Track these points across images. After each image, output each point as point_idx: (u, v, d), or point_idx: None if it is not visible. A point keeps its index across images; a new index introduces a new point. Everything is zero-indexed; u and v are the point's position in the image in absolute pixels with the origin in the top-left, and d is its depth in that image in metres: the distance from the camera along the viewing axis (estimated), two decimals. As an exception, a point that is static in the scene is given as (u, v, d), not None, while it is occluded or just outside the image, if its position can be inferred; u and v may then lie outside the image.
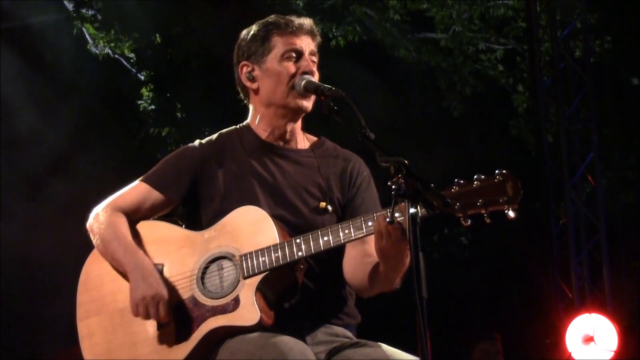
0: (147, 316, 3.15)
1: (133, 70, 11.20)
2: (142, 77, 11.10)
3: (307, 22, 3.35)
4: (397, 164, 2.73)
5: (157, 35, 10.79)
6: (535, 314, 8.96)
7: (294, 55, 3.28)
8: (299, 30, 3.30)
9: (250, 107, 3.43)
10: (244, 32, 3.40)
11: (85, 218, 3.39)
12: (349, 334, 3.29)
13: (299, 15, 3.50)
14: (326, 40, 10.93)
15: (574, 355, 7.62)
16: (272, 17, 3.36)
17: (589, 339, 7.62)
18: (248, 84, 3.36)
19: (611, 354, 7.59)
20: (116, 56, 11.12)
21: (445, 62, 11.71)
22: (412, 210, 2.68)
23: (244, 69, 3.36)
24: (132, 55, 11.11)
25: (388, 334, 3.48)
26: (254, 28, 3.36)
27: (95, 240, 3.33)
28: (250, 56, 3.34)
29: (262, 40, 3.31)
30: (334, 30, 11.02)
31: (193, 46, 10.37)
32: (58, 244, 10.99)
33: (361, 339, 3.26)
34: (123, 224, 3.30)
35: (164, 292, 3.15)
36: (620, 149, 11.53)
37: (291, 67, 3.27)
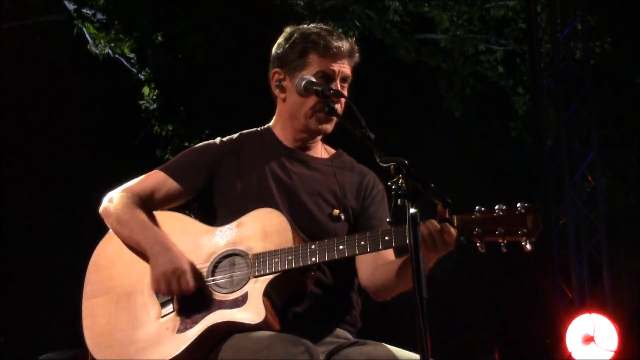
0: (169, 291, 3.14)
1: (133, 70, 11.19)
2: (142, 77, 11.09)
3: (346, 44, 3.32)
4: (397, 164, 2.74)
5: (159, 34, 10.78)
6: (535, 314, 8.96)
7: (325, 80, 3.27)
8: (337, 55, 3.29)
9: (277, 110, 3.44)
10: (287, 32, 3.37)
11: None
12: (350, 336, 3.29)
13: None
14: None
15: (574, 355, 7.62)
16: (315, 33, 3.32)
17: (589, 339, 7.62)
18: (277, 92, 3.38)
19: (611, 354, 7.59)
20: (116, 56, 11.11)
21: (445, 63, 11.72)
22: (412, 210, 2.70)
23: (276, 76, 3.37)
24: (132, 55, 11.11)
25: (388, 335, 3.48)
26: (295, 35, 3.34)
27: (110, 221, 3.32)
28: (284, 65, 3.33)
29: (299, 54, 3.30)
30: (336, 29, 11.01)
31: (199, 40, 10.36)
32: (59, 243, 11.00)
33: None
34: (139, 205, 3.31)
35: (184, 265, 3.15)
36: (620, 149, 11.54)
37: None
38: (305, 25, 3.39)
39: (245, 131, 3.47)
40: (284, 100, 3.37)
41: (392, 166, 2.76)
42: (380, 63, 11.90)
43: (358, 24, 11.09)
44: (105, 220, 3.34)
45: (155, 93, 10.95)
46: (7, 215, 10.61)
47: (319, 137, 3.42)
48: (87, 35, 10.91)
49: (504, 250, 2.89)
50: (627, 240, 9.88)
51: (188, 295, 3.14)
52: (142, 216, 3.28)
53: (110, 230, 3.35)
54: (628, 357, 7.81)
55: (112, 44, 10.86)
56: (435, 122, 12.36)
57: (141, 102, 11.00)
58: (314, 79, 3.27)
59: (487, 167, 12.11)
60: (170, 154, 10.52)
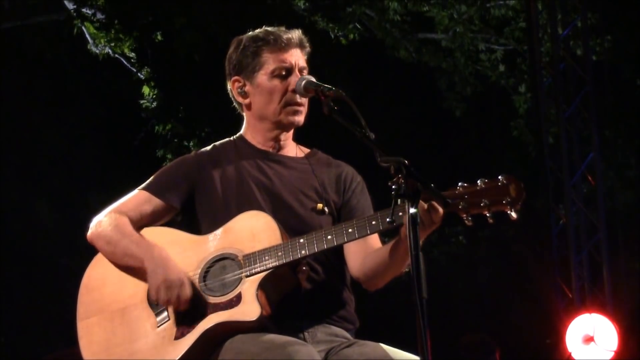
0: (168, 300, 3.15)
1: (133, 70, 11.19)
2: (142, 77, 11.09)
3: (295, 35, 3.38)
4: (397, 164, 2.76)
5: (158, 33, 10.77)
6: (535, 314, 8.96)
7: (284, 72, 3.32)
8: (288, 45, 3.34)
9: (244, 118, 3.48)
10: (235, 43, 3.43)
11: (86, 218, 3.40)
12: (348, 335, 3.30)
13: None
14: (327, 39, 10.92)
15: (574, 355, 7.62)
16: (262, 32, 3.39)
17: (589, 339, 7.62)
18: (240, 99, 3.42)
19: (611, 354, 7.59)
20: (116, 56, 11.11)
21: (445, 63, 11.71)
22: (412, 210, 2.70)
23: (236, 85, 3.41)
24: (132, 55, 11.10)
25: (388, 335, 3.48)
26: (244, 41, 3.39)
27: (101, 243, 3.33)
28: (241, 71, 3.38)
29: (253, 55, 3.35)
30: (337, 30, 11.01)
31: (197, 38, 10.36)
32: (58, 243, 11.01)
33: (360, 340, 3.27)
34: (128, 224, 3.32)
35: (183, 276, 3.17)
36: (620, 149, 11.53)
37: (282, 84, 3.32)
38: (250, 32, 3.43)
39: (219, 142, 3.50)
40: (248, 106, 3.40)
41: (392, 166, 2.77)
42: (380, 63, 11.90)
43: (359, 25, 11.08)
44: (95, 244, 3.35)
45: (155, 92, 10.95)
46: (7, 216, 10.62)
47: (291, 134, 3.44)
48: (87, 35, 10.90)
49: (491, 221, 2.92)
50: (627, 240, 9.88)
51: (184, 305, 3.15)
52: (134, 233, 3.30)
53: (99, 254, 3.37)
54: (628, 357, 7.81)
55: (112, 44, 10.85)
56: (435, 122, 12.35)
57: (141, 102, 11.00)
58: (313, 79, 3.28)
59: (488, 167, 12.11)
60: (170, 154, 10.53)
